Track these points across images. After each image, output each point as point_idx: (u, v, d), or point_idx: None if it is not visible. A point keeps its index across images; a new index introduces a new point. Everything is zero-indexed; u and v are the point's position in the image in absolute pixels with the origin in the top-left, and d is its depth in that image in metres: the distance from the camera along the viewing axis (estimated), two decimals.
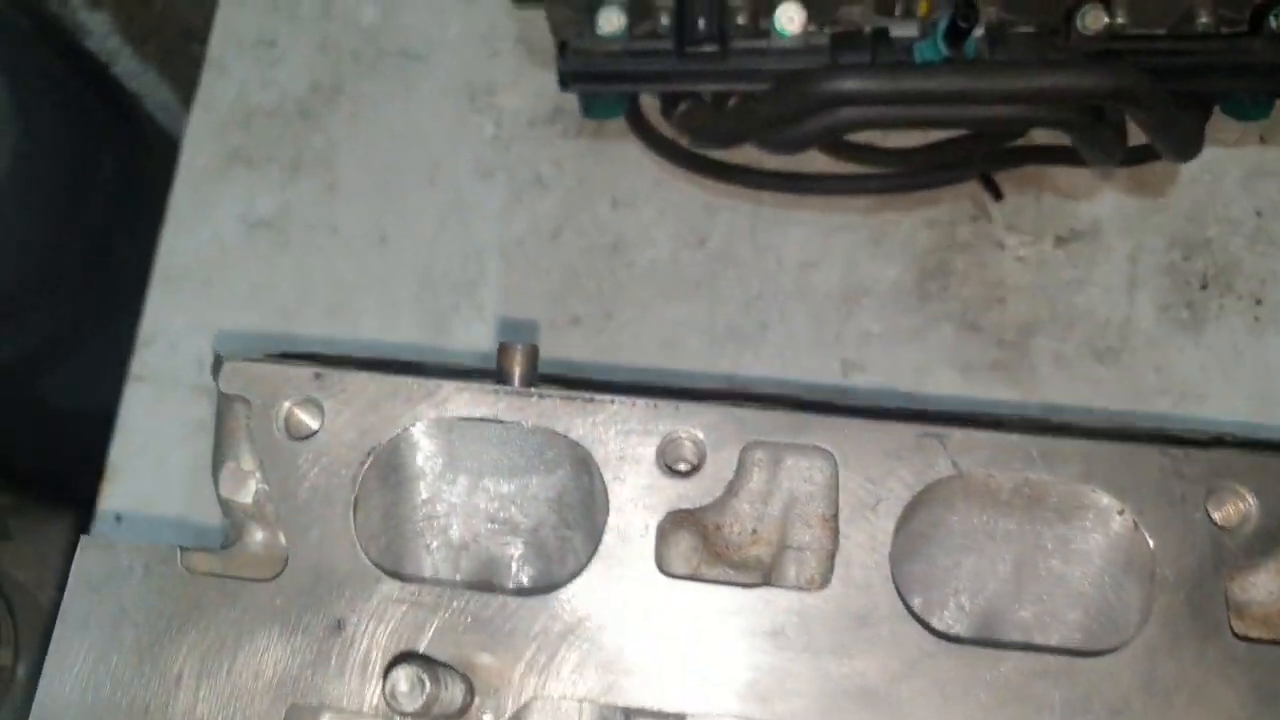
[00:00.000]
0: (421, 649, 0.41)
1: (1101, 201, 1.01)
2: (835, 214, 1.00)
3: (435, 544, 0.48)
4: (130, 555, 0.42)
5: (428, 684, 0.35)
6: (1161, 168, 1.00)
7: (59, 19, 1.37)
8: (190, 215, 1.04)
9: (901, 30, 0.90)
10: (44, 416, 1.17)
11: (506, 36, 1.07)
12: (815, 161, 0.99)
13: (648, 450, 0.44)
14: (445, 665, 0.38)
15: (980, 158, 0.96)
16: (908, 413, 0.46)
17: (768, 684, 0.41)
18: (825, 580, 0.42)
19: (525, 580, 0.48)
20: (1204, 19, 0.87)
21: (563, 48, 0.90)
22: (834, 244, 1.00)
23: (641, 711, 0.41)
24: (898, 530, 0.44)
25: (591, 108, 0.98)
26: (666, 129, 0.97)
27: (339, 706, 0.40)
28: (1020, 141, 0.99)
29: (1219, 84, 0.88)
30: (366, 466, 0.44)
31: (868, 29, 0.90)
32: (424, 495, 0.47)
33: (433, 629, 0.41)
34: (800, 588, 0.43)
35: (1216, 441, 0.57)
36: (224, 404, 0.45)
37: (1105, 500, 0.44)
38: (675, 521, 0.45)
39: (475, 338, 0.98)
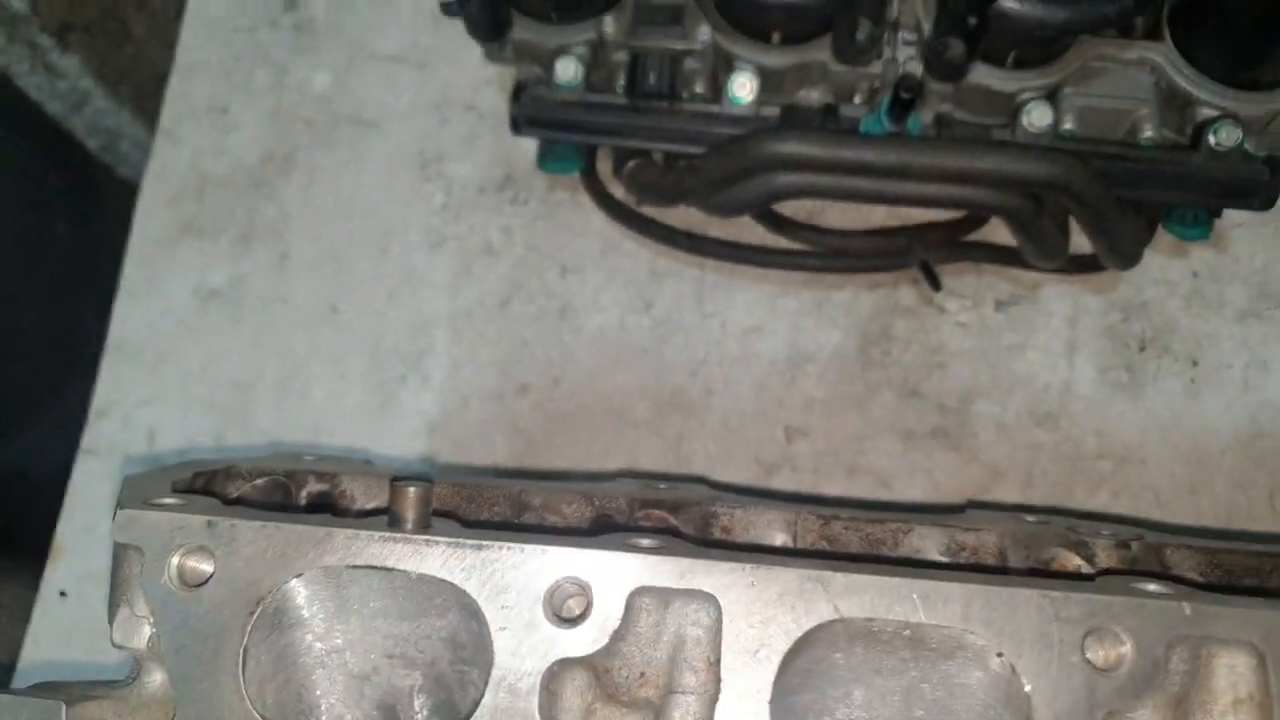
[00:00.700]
0: None
1: None
2: (779, 280, 1.01)
3: (336, 676, 0.49)
4: (13, 711, 0.42)
5: None
6: None
7: (15, 76, 1.38)
8: (143, 287, 1.05)
9: (853, 112, 0.91)
10: None
11: (457, 104, 1.08)
12: (760, 235, 1.00)
13: (535, 598, 0.45)
14: None
15: (921, 249, 0.96)
16: (793, 551, 0.47)
17: None
18: None
19: (426, 710, 0.49)
20: (1148, 133, 0.88)
21: (518, 92, 0.90)
22: (778, 309, 1.01)
23: None
24: (783, 668, 0.45)
25: (546, 161, 0.99)
26: (619, 191, 0.98)
27: None
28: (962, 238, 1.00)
29: (1160, 194, 0.89)
30: (256, 616, 0.44)
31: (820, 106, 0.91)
32: (315, 635, 0.48)
33: None
34: None
35: (1121, 546, 0.57)
36: (119, 551, 0.46)
37: (983, 643, 0.45)
38: (564, 665, 0.46)
39: (424, 407, 0.99)
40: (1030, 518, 0.63)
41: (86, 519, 0.95)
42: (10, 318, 1.11)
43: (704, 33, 0.87)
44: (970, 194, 0.87)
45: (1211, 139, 0.87)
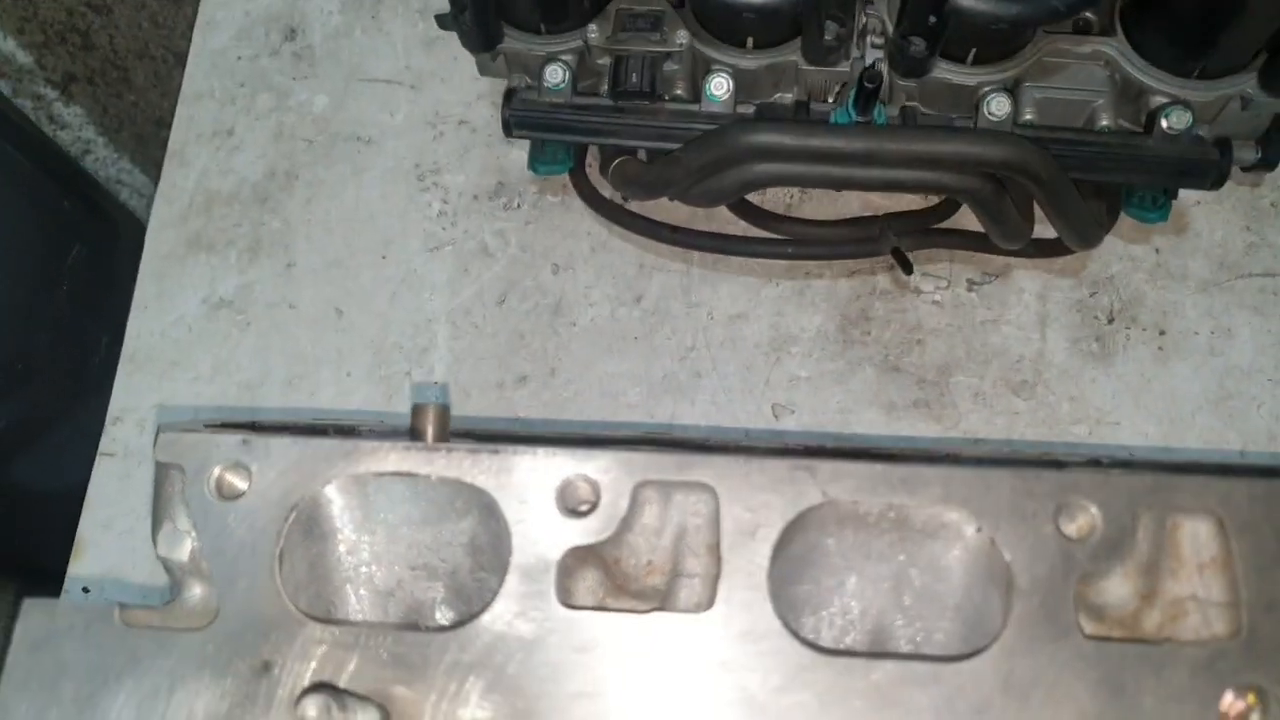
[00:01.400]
0: (341, 684, 0.44)
1: None
2: (761, 271, 1.06)
3: (363, 591, 0.52)
4: (70, 615, 0.45)
5: (334, 710, 0.39)
6: None
7: (31, 114, 1.44)
8: (155, 301, 1.09)
9: (825, 109, 0.97)
10: (13, 499, 1.20)
11: (450, 120, 1.14)
12: (742, 228, 1.05)
13: (547, 494, 0.49)
14: (357, 695, 0.42)
15: (893, 235, 1.02)
16: (784, 449, 0.51)
17: (661, 699, 0.45)
18: (711, 603, 0.47)
19: (447, 621, 0.52)
20: (1105, 121, 0.95)
21: (509, 96, 0.96)
22: (761, 297, 1.06)
23: None
24: (777, 554, 0.48)
25: (537, 163, 1.04)
26: (606, 190, 1.04)
27: None
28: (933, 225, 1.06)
29: (1116, 176, 0.95)
30: (290, 522, 0.48)
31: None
32: (346, 547, 0.51)
33: (352, 666, 0.45)
34: (689, 611, 0.47)
35: (1092, 463, 0.62)
36: (160, 472, 0.49)
37: (963, 519, 0.49)
38: (577, 558, 0.49)
39: (427, 399, 1.03)
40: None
41: (105, 516, 0.98)
42: (27, 339, 1.15)
43: (682, 36, 0.94)
44: (933, 177, 0.92)
45: (1163, 123, 0.93)
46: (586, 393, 1.03)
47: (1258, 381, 1.02)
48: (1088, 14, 0.96)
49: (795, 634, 0.46)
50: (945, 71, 0.94)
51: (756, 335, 1.05)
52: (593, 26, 0.96)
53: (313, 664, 0.45)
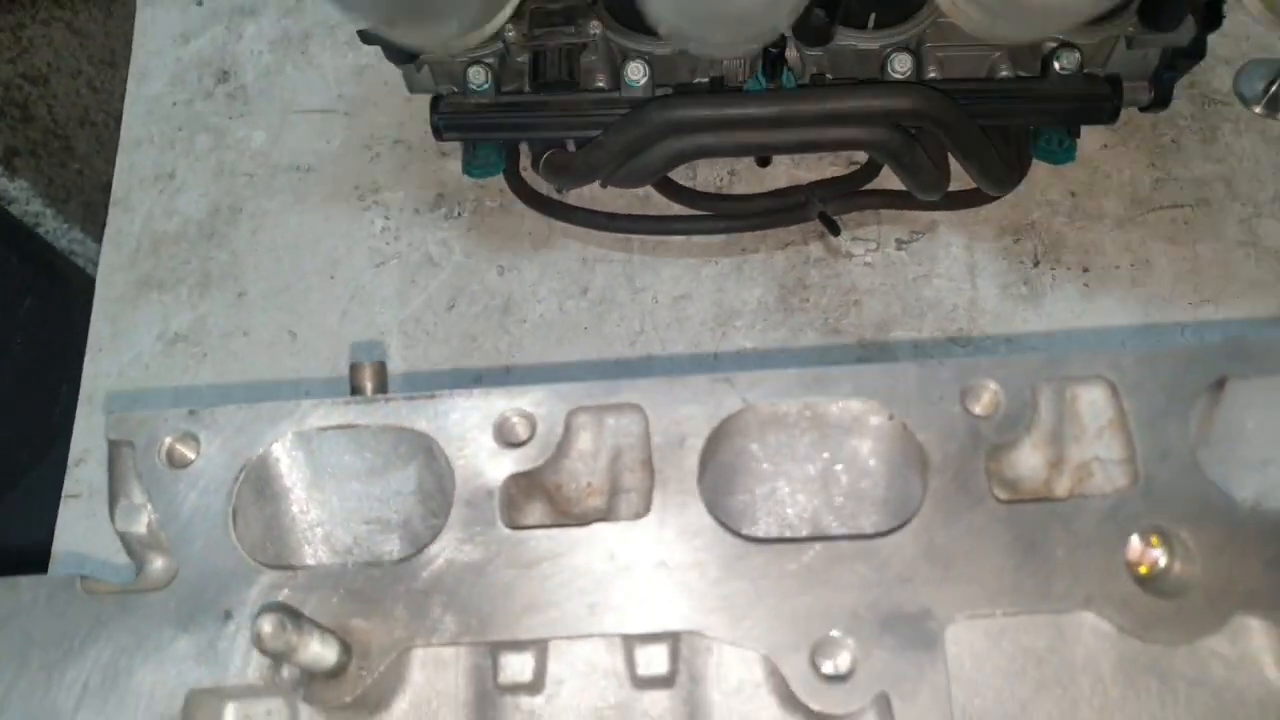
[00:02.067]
0: None
1: None
2: (699, 252, 1.10)
3: (320, 550, 0.54)
4: (32, 589, 0.47)
5: (289, 628, 0.41)
6: None
7: None
8: (110, 342, 1.11)
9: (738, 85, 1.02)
10: None
11: (385, 140, 1.18)
12: (676, 210, 1.09)
13: (484, 431, 0.51)
14: (315, 623, 0.44)
15: (818, 201, 1.06)
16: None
17: (609, 601, 0.48)
18: (648, 510, 0.49)
19: None
20: (1004, 71, 1.01)
21: (436, 102, 1.00)
22: (701, 277, 1.09)
23: (506, 644, 0.47)
24: (705, 461, 0.51)
25: (470, 167, 1.08)
26: (543, 186, 1.08)
27: (231, 684, 0.46)
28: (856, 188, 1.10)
29: (1019, 118, 1.01)
30: (240, 482, 0.50)
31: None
32: (299, 506, 0.53)
33: (310, 605, 0.47)
34: (628, 520, 0.50)
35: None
36: (113, 451, 0.52)
37: (874, 409, 0.52)
38: (520, 489, 0.52)
39: None
40: None
41: (74, 557, 0.99)
42: None
43: (595, 27, 0.99)
44: (845, 134, 0.97)
45: (1056, 65, 0.99)
46: (541, 384, 1.06)
47: (1179, 306, 1.07)
48: None
49: (727, 528, 0.49)
50: (848, 38, 1.00)
51: (701, 313, 1.08)
52: (509, 25, 1.01)
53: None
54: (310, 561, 0.54)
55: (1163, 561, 0.50)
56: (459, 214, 1.14)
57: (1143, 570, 0.50)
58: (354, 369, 0.54)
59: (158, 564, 0.52)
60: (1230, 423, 0.53)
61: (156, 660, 0.46)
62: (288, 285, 1.12)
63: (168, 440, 0.51)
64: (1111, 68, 1.03)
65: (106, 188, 1.66)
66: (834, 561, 0.48)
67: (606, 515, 0.52)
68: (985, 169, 1.01)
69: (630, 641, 0.47)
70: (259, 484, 0.52)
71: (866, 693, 0.46)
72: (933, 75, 1.02)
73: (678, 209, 1.10)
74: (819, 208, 1.05)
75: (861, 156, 1.11)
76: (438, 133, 1.00)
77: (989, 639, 0.49)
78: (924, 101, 0.93)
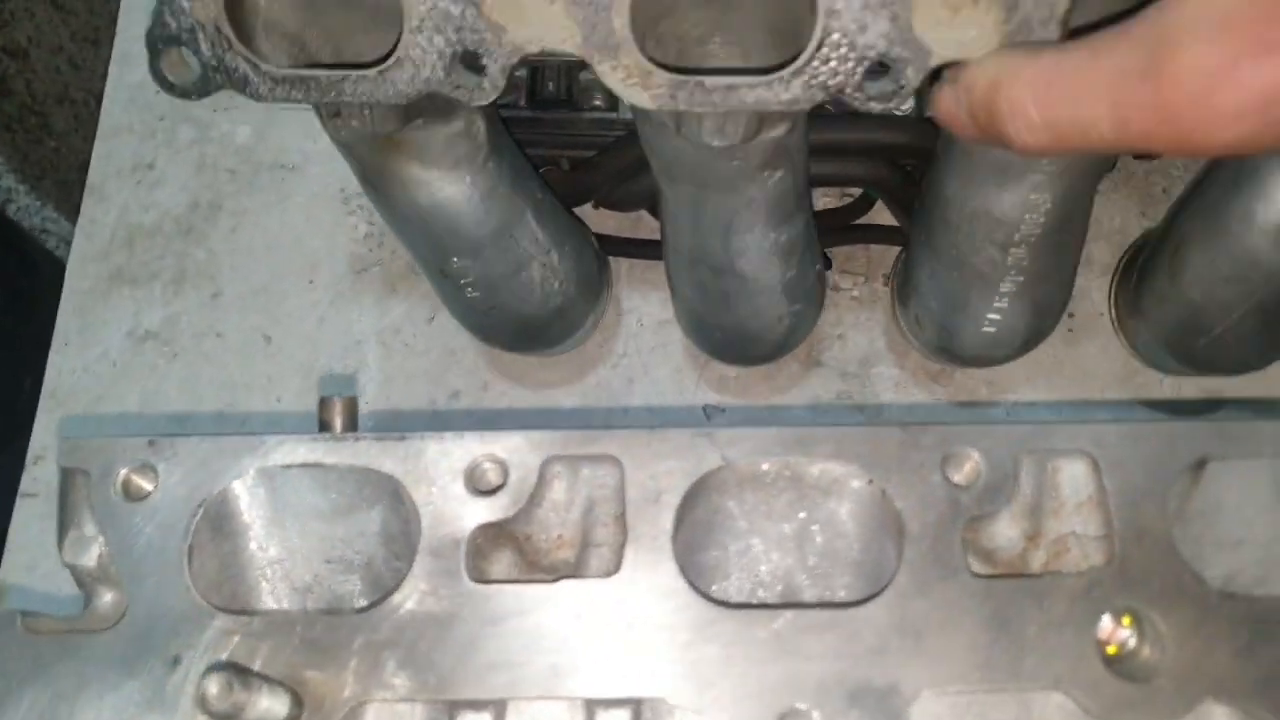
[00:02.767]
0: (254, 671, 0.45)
1: None
2: None
3: (279, 588, 0.53)
4: None
5: (236, 688, 0.39)
6: None
7: None
8: (77, 336, 1.08)
9: None
10: None
11: None
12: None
13: (455, 477, 0.50)
14: (265, 677, 0.42)
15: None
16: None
17: (573, 663, 0.46)
18: (618, 568, 0.48)
19: None
20: None
21: None
22: None
23: (463, 703, 0.45)
24: (681, 518, 0.50)
25: None
26: None
27: None
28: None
29: None
30: (198, 519, 0.48)
31: None
32: (257, 544, 0.52)
33: (263, 654, 0.45)
34: (598, 577, 0.48)
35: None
36: (65, 478, 0.50)
37: (854, 473, 0.51)
38: (489, 538, 0.51)
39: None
40: None
41: (28, 559, 0.96)
42: None
43: None
44: (844, 169, 0.97)
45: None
46: (520, 404, 1.05)
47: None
48: None
49: (699, 591, 0.47)
50: None
51: (685, 339, 1.07)
52: None
53: (223, 655, 0.45)
54: (268, 599, 0.53)
55: (1132, 643, 0.49)
56: None
57: (1112, 650, 0.50)
58: (323, 403, 0.52)
59: (107, 598, 0.50)
60: (1208, 503, 0.53)
61: (98, 706, 0.44)
62: (265, 287, 1.10)
63: (124, 471, 0.49)
64: None
65: (83, 167, 1.62)
66: (804, 630, 0.47)
67: (576, 569, 0.50)
68: None
69: (592, 706, 0.46)
70: (217, 520, 0.50)
71: None
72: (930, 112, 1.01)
73: None
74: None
75: (855, 189, 1.10)
76: None
77: (954, 715, 0.49)
78: (922, 137, 0.92)
